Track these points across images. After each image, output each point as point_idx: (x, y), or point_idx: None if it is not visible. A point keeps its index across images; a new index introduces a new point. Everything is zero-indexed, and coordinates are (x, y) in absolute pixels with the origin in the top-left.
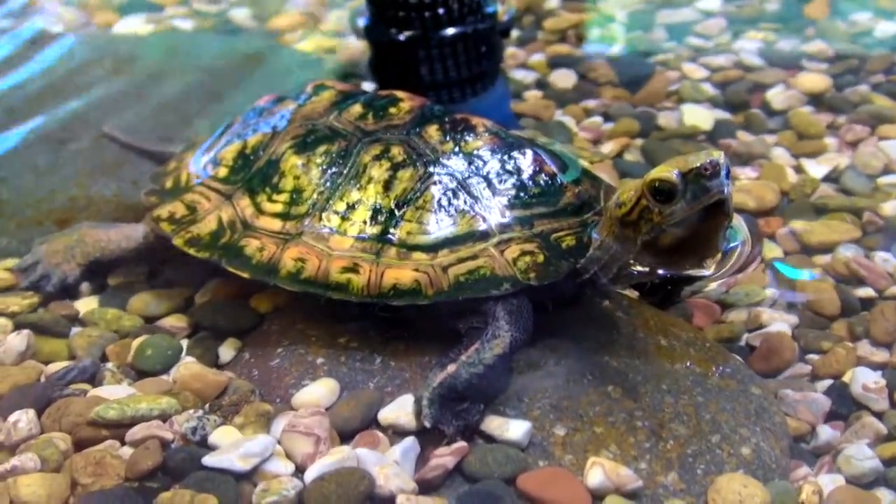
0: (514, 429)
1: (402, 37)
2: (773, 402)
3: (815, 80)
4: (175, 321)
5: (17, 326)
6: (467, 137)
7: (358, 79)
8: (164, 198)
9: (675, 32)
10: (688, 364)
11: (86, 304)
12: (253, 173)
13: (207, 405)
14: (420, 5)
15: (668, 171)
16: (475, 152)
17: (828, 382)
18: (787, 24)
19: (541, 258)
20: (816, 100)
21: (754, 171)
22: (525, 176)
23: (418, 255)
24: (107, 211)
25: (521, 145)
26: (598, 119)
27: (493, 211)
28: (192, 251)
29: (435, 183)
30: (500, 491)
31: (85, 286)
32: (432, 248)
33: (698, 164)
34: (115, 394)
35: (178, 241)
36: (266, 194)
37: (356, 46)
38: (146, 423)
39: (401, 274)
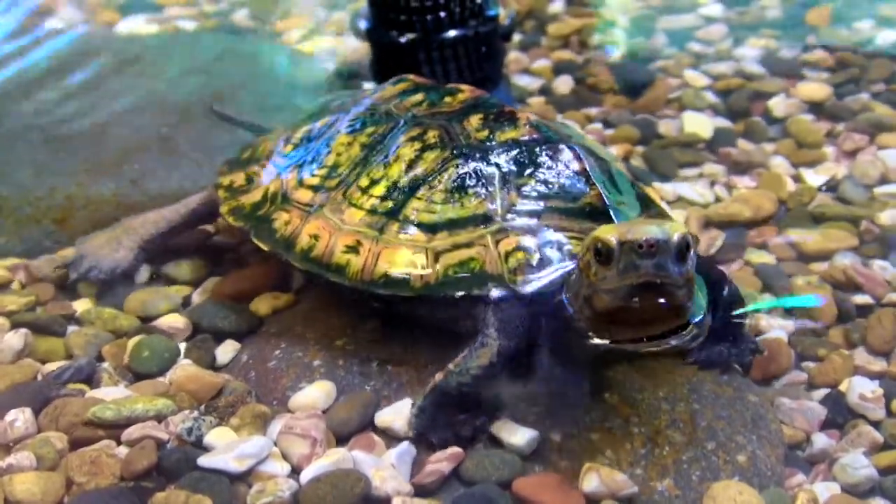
0: (520, 435)
1: (403, 39)
2: (769, 409)
3: (815, 88)
4: (173, 321)
5: (14, 325)
6: (505, 127)
7: (359, 80)
8: (234, 167)
9: (677, 38)
10: (684, 371)
11: (83, 304)
12: (308, 150)
13: (203, 406)
14: (421, 8)
15: (612, 233)
16: (508, 141)
17: (824, 391)
18: (788, 31)
19: (535, 258)
20: (817, 108)
21: (753, 181)
22: (548, 168)
23: (417, 235)
24: (106, 210)
25: (559, 140)
26: (598, 125)
27: (504, 198)
28: (231, 220)
29: (456, 165)
30: (495, 495)
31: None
32: (432, 229)
33: (633, 238)
34: (111, 395)
35: (223, 209)
36: (309, 169)
37: (358, 48)
38: (142, 423)
39: (395, 257)
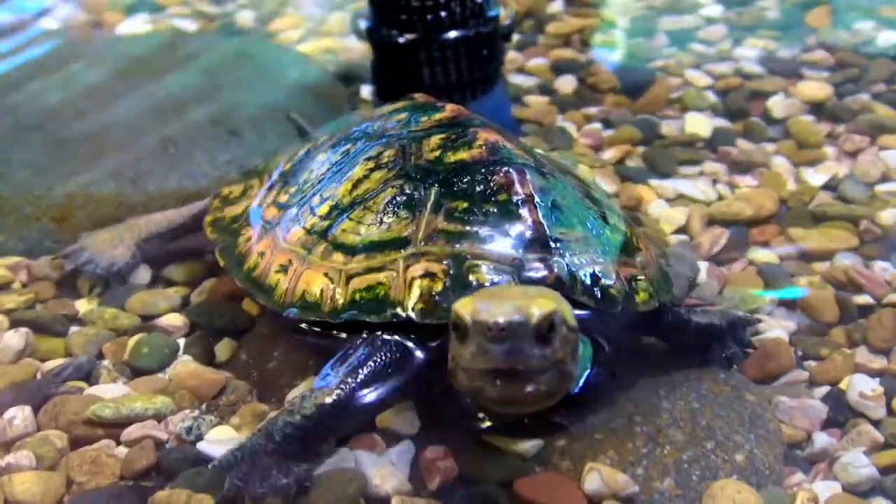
0: (526, 444)
1: (403, 39)
2: (767, 408)
3: (815, 88)
4: (172, 320)
5: (14, 324)
6: (459, 148)
7: (358, 81)
8: (242, 178)
9: (677, 39)
10: (683, 369)
11: (84, 304)
12: (297, 168)
13: (204, 405)
14: (422, 8)
15: (468, 308)
16: (455, 162)
17: (825, 389)
18: (787, 31)
19: (439, 286)
20: (817, 108)
21: (755, 180)
22: (484, 192)
23: (337, 257)
24: (106, 209)
25: (508, 163)
26: (597, 125)
27: (431, 222)
28: (207, 231)
29: (394, 187)
30: (496, 495)
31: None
32: (352, 251)
33: (484, 320)
34: (110, 392)
35: (207, 219)
36: (285, 187)
37: (358, 48)
38: (141, 422)
39: (313, 278)
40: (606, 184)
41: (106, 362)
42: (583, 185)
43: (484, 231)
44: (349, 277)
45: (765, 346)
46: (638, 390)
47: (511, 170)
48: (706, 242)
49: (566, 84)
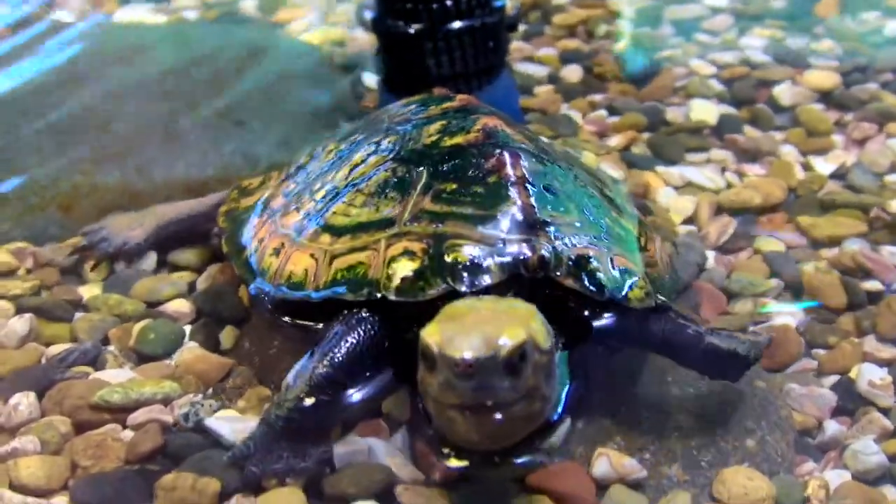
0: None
1: (409, 29)
2: (778, 395)
3: (823, 77)
4: (178, 306)
5: (20, 309)
6: (457, 133)
7: (363, 71)
8: (266, 171)
9: (683, 28)
10: None
11: (89, 290)
12: (310, 160)
13: (210, 389)
14: None
15: (435, 337)
16: (450, 146)
17: (834, 378)
18: (795, 21)
19: (416, 264)
20: (825, 97)
21: (763, 168)
22: (475, 173)
23: (324, 238)
24: (111, 198)
25: (503, 146)
26: (603, 112)
27: (418, 203)
28: (220, 220)
29: (388, 170)
30: (505, 484)
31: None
32: (338, 232)
33: (450, 355)
34: (116, 377)
35: (221, 209)
36: (295, 177)
37: (363, 38)
38: (147, 407)
39: (300, 259)
40: (612, 171)
41: (112, 348)
42: (596, 182)
43: (470, 211)
44: (333, 258)
45: (773, 334)
46: (646, 376)
47: (504, 152)
48: (714, 232)
49: (572, 73)
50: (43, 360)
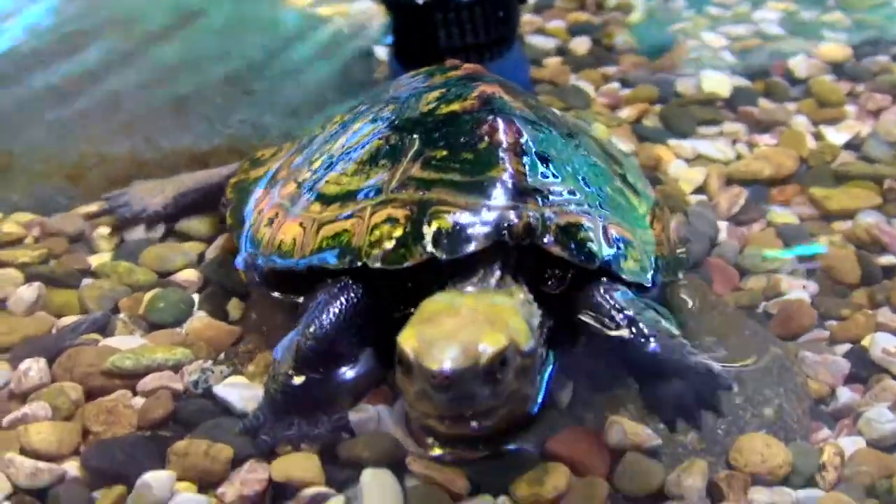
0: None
1: (419, 1)
2: (794, 362)
3: (834, 49)
4: (188, 275)
5: (29, 278)
6: (453, 101)
7: (373, 43)
8: (281, 142)
9: (695, 1)
10: (710, 325)
11: (99, 258)
12: (320, 132)
13: (222, 354)
14: None
15: (411, 343)
16: (445, 114)
17: (846, 346)
18: None
19: (398, 231)
20: (836, 69)
21: (773, 139)
22: (467, 140)
23: (314, 207)
24: (120, 168)
25: (498, 112)
26: (615, 85)
27: (406, 170)
28: (228, 191)
29: (381, 138)
30: (523, 451)
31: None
32: (328, 201)
33: (426, 366)
34: (126, 344)
35: (231, 180)
36: (302, 149)
37: (374, 10)
38: (158, 373)
39: (289, 228)
40: (623, 143)
41: (122, 315)
42: (605, 155)
43: (458, 178)
44: (321, 226)
45: (787, 308)
46: None
47: (497, 118)
48: (725, 202)
49: (580, 45)
50: (54, 331)
